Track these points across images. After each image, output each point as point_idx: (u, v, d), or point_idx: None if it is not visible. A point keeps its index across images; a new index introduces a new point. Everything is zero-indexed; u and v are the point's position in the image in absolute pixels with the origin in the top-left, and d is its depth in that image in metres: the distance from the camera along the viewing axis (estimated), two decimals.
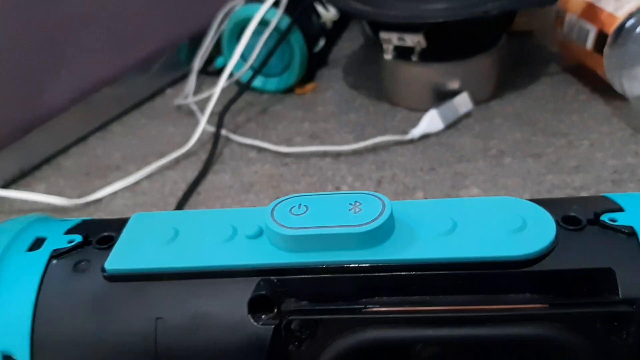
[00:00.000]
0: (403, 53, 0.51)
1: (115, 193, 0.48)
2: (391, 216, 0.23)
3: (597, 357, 0.21)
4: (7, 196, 0.49)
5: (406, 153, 0.49)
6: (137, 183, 0.49)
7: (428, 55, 0.50)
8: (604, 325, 0.21)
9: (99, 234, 0.25)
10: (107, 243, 0.24)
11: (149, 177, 0.50)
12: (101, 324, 0.22)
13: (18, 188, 0.51)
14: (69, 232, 0.25)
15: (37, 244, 0.25)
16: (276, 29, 0.56)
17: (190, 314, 0.22)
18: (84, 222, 0.26)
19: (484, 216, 0.23)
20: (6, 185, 0.52)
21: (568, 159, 0.46)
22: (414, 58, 0.50)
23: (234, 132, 0.54)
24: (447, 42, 0.50)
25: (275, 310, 0.22)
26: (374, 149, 0.49)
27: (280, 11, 0.56)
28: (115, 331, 0.22)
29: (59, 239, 0.25)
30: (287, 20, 0.56)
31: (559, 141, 0.48)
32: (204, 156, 0.52)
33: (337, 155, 0.49)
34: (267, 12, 0.56)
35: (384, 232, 0.22)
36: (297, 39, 0.57)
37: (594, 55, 0.51)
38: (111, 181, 0.50)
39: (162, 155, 0.52)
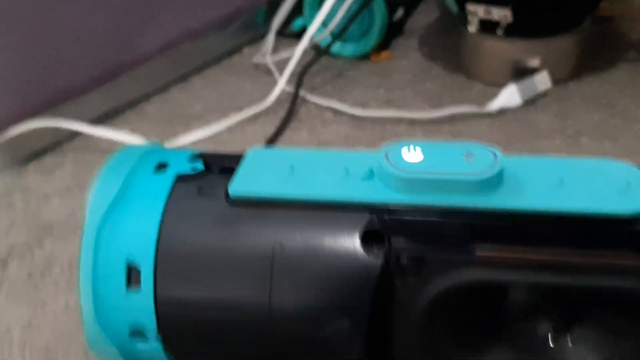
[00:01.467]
0: (487, 26, 0.52)
1: (197, 141, 0.51)
2: (503, 167, 0.24)
3: None
4: (94, 134, 0.51)
5: (483, 126, 0.49)
6: (218, 134, 0.51)
7: (512, 31, 0.51)
8: None
9: (219, 164, 0.27)
10: (228, 172, 0.26)
11: (229, 129, 0.52)
12: (223, 243, 0.24)
13: None
14: (191, 159, 0.27)
15: (162, 167, 0.27)
16: None
17: (306, 241, 0.24)
18: (201, 153, 0.28)
19: (590, 175, 0.24)
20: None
21: None
22: (499, 32, 0.51)
23: (311, 93, 0.56)
24: (533, 18, 0.51)
25: (386, 244, 0.23)
26: (450, 119, 0.50)
27: None
28: (236, 251, 0.24)
29: (182, 165, 0.27)
30: None
31: (637, 126, 0.48)
32: (281, 114, 0.53)
33: (413, 122, 0.51)
34: None
35: (495, 181, 0.24)
36: (379, 6, 0.58)
37: None
38: (193, 129, 0.52)
39: (240, 109, 0.54)
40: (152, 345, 0.25)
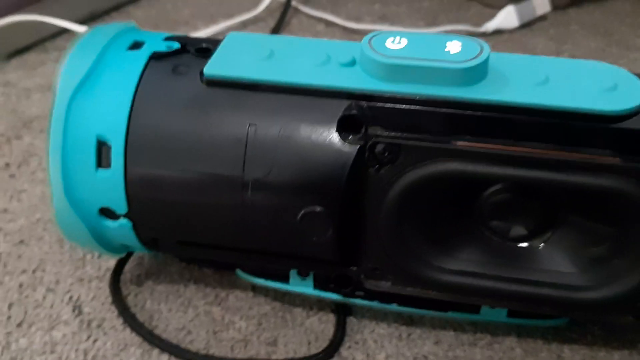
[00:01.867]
0: None
1: None
2: (487, 59, 0.23)
3: None
4: (78, 32, 0.50)
5: None
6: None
7: None
8: None
9: (197, 45, 0.26)
10: (205, 53, 0.25)
11: (216, 35, 0.50)
12: (196, 123, 0.24)
13: None
14: (167, 40, 0.26)
15: (136, 45, 0.26)
16: None
17: (281, 125, 0.23)
18: (182, 35, 0.27)
19: (577, 74, 0.23)
20: None
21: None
22: None
23: (304, 4, 0.54)
24: None
25: (362, 131, 0.23)
26: None
27: None
28: (210, 131, 0.24)
29: (158, 44, 0.26)
30: None
31: (633, 54, 0.47)
32: (271, 23, 0.52)
33: None
34: None
35: (479, 72, 0.23)
36: None
37: None
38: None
39: (230, 17, 0.52)
40: (121, 223, 0.25)
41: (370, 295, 0.26)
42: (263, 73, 0.24)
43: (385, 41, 0.24)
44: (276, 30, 0.51)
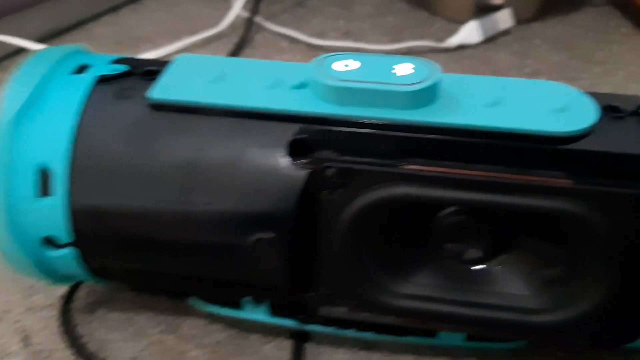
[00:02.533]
0: None
1: None
2: (438, 81, 0.23)
3: (618, 239, 0.22)
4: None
5: (440, 61, 0.48)
6: (167, 56, 0.49)
7: None
8: (629, 209, 0.21)
9: (144, 67, 0.25)
10: (152, 75, 0.25)
11: (179, 52, 0.50)
12: (140, 148, 0.23)
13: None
14: (114, 62, 0.25)
15: (81, 69, 0.25)
16: None
17: (229, 149, 0.23)
18: (130, 58, 0.27)
19: (529, 94, 0.23)
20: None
21: (602, 86, 0.45)
22: None
23: (268, 20, 0.53)
24: None
25: (313, 156, 0.22)
26: (408, 53, 0.49)
27: None
28: (154, 156, 0.23)
29: (104, 67, 0.25)
30: None
31: (595, 68, 0.47)
32: (235, 39, 0.51)
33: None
34: None
35: (429, 95, 0.22)
36: None
37: None
38: (142, 52, 0.50)
39: (193, 33, 0.51)
40: (65, 252, 0.24)
41: (326, 321, 0.26)
42: (210, 96, 0.23)
43: (335, 64, 0.23)
44: (239, 46, 0.50)
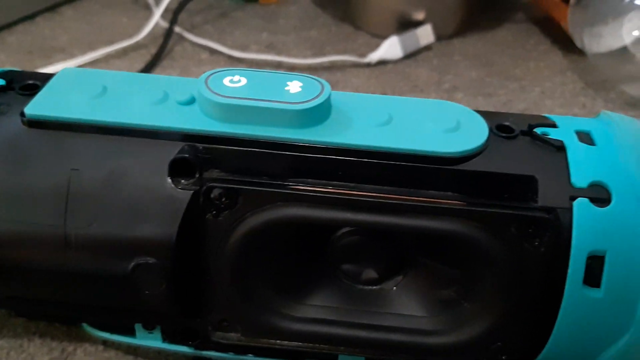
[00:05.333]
0: None
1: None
2: (328, 100, 0.22)
3: (509, 261, 0.21)
4: None
5: (361, 76, 0.48)
6: (80, 67, 0.47)
7: None
8: (520, 231, 0.21)
9: (24, 81, 0.24)
10: (31, 90, 0.23)
11: (93, 62, 0.48)
12: (15, 167, 0.22)
13: None
14: None
15: None
16: None
17: (107, 169, 0.21)
18: (10, 71, 0.25)
19: (420, 114, 0.23)
20: None
21: (518, 102, 0.46)
22: None
23: (189, 31, 0.52)
24: None
25: (197, 176, 0.21)
26: (330, 67, 0.49)
27: None
28: (29, 178, 0.21)
29: None
30: None
31: (512, 84, 0.48)
32: (154, 51, 0.50)
33: (292, 68, 0.48)
34: None
35: (319, 113, 0.22)
36: None
37: (561, 6, 0.50)
38: (53, 62, 0.48)
39: (110, 43, 0.50)
40: None
41: (222, 347, 0.25)
42: (90, 113, 0.22)
43: (223, 80, 0.22)
44: (157, 57, 0.49)
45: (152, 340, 0.25)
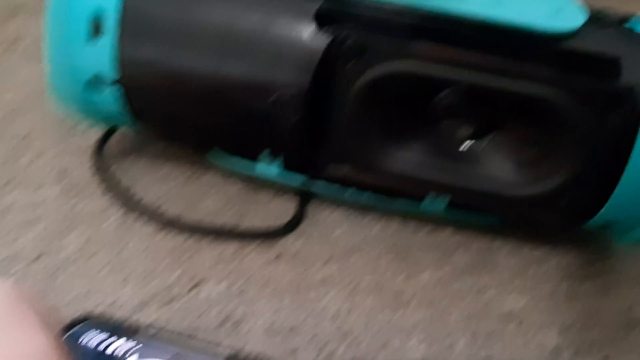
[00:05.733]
0: None
1: None
2: None
3: (589, 128, 0.25)
4: None
5: None
6: None
7: None
8: (602, 103, 0.25)
9: None
10: None
11: None
12: (184, 10, 0.26)
13: None
14: None
15: None
16: None
17: (261, 16, 0.26)
18: None
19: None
20: None
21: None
22: None
23: None
24: None
25: (335, 26, 0.26)
26: None
27: None
28: (196, 15, 0.26)
29: None
30: None
31: None
32: None
33: None
34: None
35: None
36: None
37: None
38: None
39: None
40: (110, 91, 0.28)
41: (331, 179, 0.30)
42: None
43: None
44: None
45: (272, 170, 0.30)
